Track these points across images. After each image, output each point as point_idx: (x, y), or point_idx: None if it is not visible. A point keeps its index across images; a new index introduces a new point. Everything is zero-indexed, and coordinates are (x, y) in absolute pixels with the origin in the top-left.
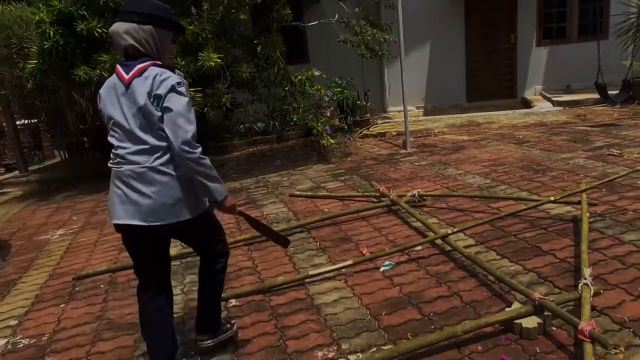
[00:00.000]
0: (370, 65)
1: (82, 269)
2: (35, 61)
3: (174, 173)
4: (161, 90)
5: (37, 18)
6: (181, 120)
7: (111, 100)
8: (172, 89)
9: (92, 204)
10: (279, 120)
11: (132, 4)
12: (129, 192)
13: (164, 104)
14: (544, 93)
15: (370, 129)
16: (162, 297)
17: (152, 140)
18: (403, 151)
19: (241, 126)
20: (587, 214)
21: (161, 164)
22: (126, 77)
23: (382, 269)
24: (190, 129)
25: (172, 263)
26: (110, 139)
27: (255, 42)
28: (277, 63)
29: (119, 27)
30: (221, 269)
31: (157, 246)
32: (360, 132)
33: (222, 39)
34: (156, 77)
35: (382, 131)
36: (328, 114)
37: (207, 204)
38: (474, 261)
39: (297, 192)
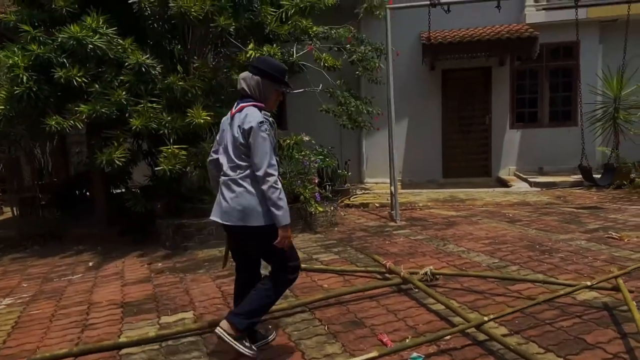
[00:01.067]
0: (349, 136)
1: (36, 350)
2: (2, 107)
3: (248, 187)
4: (246, 126)
5: (10, 62)
6: (260, 153)
7: (224, 126)
8: (254, 127)
9: (46, 268)
10: None
11: (255, 60)
12: (219, 196)
13: (249, 139)
14: (518, 173)
15: (352, 199)
16: (248, 283)
17: (238, 161)
18: (392, 223)
19: None
20: (634, 302)
21: (240, 178)
22: (233, 111)
23: None
24: (265, 162)
25: (152, 347)
26: (220, 156)
27: None
28: None
29: (242, 74)
30: (282, 282)
31: (238, 243)
32: (342, 202)
33: (210, 97)
34: (247, 116)
35: (364, 202)
36: (316, 181)
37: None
38: (523, 356)
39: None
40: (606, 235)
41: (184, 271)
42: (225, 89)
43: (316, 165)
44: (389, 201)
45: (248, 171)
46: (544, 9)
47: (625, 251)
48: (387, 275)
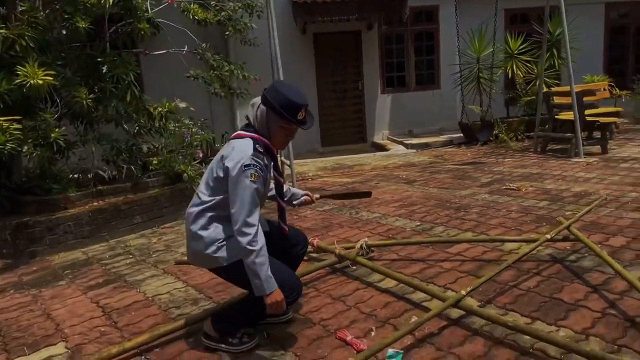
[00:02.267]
0: (221, 106)
1: None
2: None
3: (202, 227)
4: (228, 163)
5: None
6: (237, 203)
7: None
8: (237, 170)
9: None
10: (135, 164)
11: (270, 86)
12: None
13: (228, 180)
14: (391, 137)
15: None
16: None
17: (205, 191)
18: None
19: (77, 174)
20: (598, 246)
21: (197, 214)
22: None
23: None
24: (241, 217)
25: None
26: None
27: (99, 60)
28: (130, 88)
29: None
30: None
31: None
32: None
33: (48, 54)
34: (234, 149)
35: None
36: (201, 155)
37: None
38: (521, 331)
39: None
40: (504, 187)
41: (36, 286)
42: (67, 43)
43: (199, 137)
44: None
45: (208, 207)
46: None
47: (530, 200)
48: (314, 255)
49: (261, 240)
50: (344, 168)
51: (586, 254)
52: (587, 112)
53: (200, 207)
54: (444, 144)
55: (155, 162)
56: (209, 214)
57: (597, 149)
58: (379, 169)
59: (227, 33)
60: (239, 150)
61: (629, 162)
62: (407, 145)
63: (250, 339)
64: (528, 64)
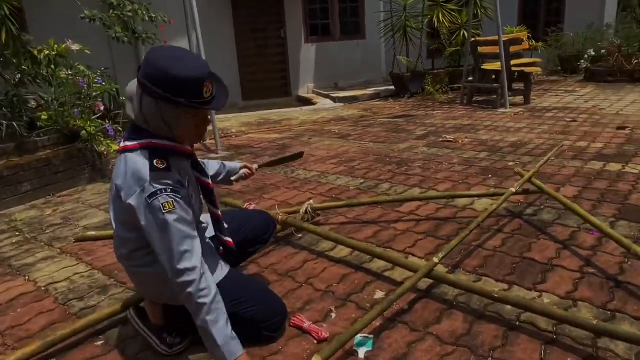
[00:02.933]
0: (123, 53)
1: None
2: None
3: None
4: (126, 197)
5: None
6: (161, 248)
7: None
8: (142, 207)
9: None
10: (18, 121)
11: (143, 63)
12: None
13: (139, 220)
14: (317, 90)
15: None
16: None
17: (122, 233)
18: (214, 155)
19: None
20: (564, 197)
21: (135, 267)
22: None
23: (360, 353)
24: (173, 262)
25: None
26: None
27: None
28: (5, 25)
29: (129, 85)
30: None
31: None
32: None
33: None
34: (126, 174)
35: None
36: (102, 108)
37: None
38: (507, 302)
39: (91, 233)
40: (441, 140)
41: None
42: None
43: (98, 86)
44: None
45: (135, 248)
46: None
47: (470, 152)
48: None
49: (210, 286)
50: (270, 123)
51: (542, 207)
52: (512, 62)
53: (127, 250)
54: (371, 97)
55: (44, 117)
56: (140, 253)
57: (520, 99)
58: (309, 124)
59: None
60: (133, 176)
61: (553, 112)
62: (334, 99)
63: (182, 341)
64: (453, 13)
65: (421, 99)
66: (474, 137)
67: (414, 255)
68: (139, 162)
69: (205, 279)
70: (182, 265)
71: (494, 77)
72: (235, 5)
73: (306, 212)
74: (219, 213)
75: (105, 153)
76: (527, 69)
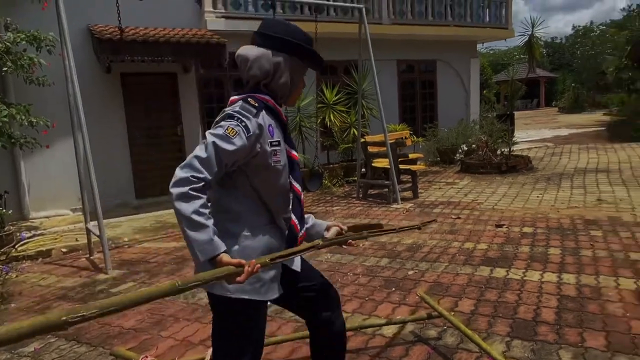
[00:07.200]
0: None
1: None
2: None
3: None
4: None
5: None
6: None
7: None
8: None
9: None
10: None
11: (267, 25)
12: None
13: None
14: None
15: (21, 248)
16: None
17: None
18: (103, 276)
19: None
20: (451, 314)
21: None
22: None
23: None
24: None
25: None
26: None
27: None
28: None
29: (244, 49)
30: None
31: None
32: (7, 255)
33: None
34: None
35: (43, 248)
36: None
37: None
38: None
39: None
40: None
41: None
42: None
43: None
44: (80, 242)
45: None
46: (223, 17)
47: (371, 258)
48: None
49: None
50: (167, 227)
51: (445, 326)
52: (400, 159)
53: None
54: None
55: None
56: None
57: (408, 193)
58: None
59: (4, 69)
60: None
61: (439, 207)
62: None
63: None
64: (342, 114)
65: (320, 192)
66: (374, 239)
67: None
68: (237, 100)
69: (205, 204)
70: (193, 162)
71: (383, 174)
72: (128, 106)
73: None
74: (299, 189)
75: None
76: (413, 167)
